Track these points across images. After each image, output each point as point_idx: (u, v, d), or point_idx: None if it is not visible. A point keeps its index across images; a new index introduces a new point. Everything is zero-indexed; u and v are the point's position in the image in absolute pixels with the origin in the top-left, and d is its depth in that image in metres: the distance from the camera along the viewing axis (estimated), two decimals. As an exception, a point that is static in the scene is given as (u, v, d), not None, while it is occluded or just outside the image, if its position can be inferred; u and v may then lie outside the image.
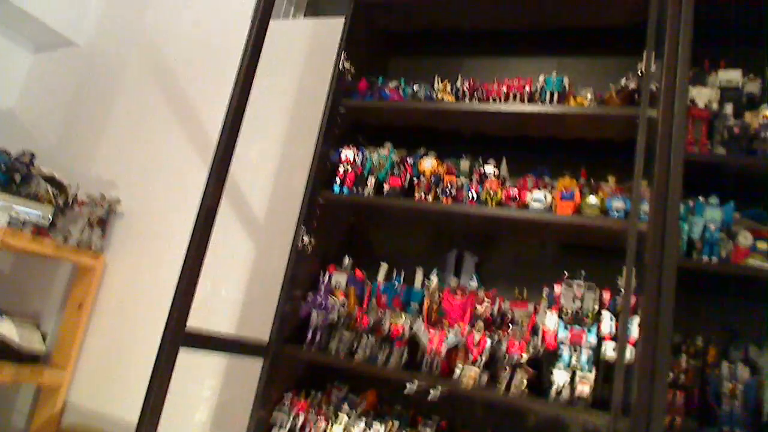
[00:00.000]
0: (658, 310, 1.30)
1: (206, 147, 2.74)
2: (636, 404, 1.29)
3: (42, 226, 2.56)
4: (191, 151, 2.82)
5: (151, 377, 1.50)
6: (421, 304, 1.99)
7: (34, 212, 2.55)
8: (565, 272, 1.82)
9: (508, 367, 1.73)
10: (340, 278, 2.10)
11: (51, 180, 2.75)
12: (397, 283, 2.07)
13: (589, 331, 1.69)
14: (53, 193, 2.72)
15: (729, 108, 1.77)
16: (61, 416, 2.59)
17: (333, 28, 2.42)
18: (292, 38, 2.81)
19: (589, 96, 1.96)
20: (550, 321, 1.74)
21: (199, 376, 2.39)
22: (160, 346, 1.51)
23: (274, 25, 1.89)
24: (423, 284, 2.06)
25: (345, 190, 2.13)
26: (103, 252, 2.75)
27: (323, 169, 2.16)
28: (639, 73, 1.88)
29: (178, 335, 1.52)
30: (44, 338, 2.64)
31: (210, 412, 2.36)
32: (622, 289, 1.63)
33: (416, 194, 2.04)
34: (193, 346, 1.60)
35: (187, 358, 1.58)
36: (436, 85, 2.17)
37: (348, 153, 2.20)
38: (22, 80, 3.40)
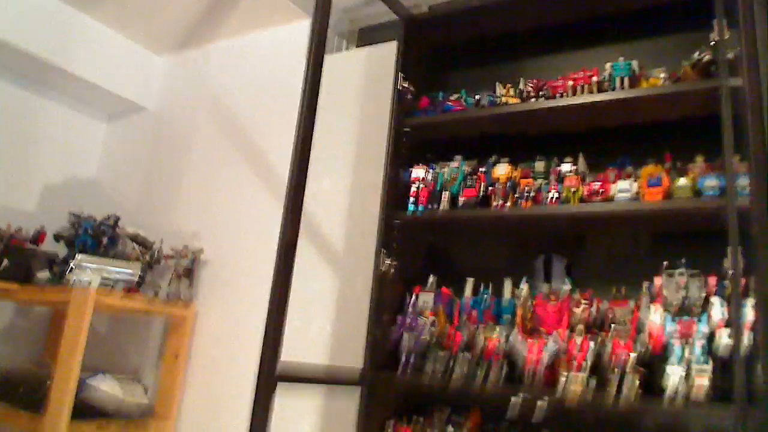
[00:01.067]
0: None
1: (279, 188, 2.76)
2: (762, 391, 1.17)
3: (132, 283, 2.65)
4: (265, 193, 2.87)
5: (251, 416, 1.49)
6: (513, 315, 1.92)
7: (124, 271, 2.64)
8: (665, 262, 1.71)
9: (616, 370, 1.63)
10: (426, 298, 2.06)
11: (136, 238, 2.85)
12: (486, 296, 2.01)
13: (699, 320, 1.57)
14: (140, 251, 2.82)
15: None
16: (172, 467, 2.65)
17: (387, 52, 2.42)
18: (348, 69, 2.83)
19: (662, 75, 1.87)
20: (655, 315, 1.63)
21: (298, 417, 2.38)
22: (256, 384, 1.51)
23: (330, 60, 1.90)
24: (513, 294, 1.99)
25: (420, 208, 2.10)
26: (192, 301, 2.82)
27: (395, 191, 2.14)
28: (712, 43, 1.77)
29: (272, 369, 1.51)
30: (146, 392, 2.71)
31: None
32: (730, 271, 1.51)
33: (493, 202, 1.99)
34: (289, 380, 1.59)
35: (284, 400, 1.57)
36: (498, 91, 2.12)
37: (418, 171, 2.17)
38: (99, 149, 3.59)
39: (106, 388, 2.48)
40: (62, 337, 2.36)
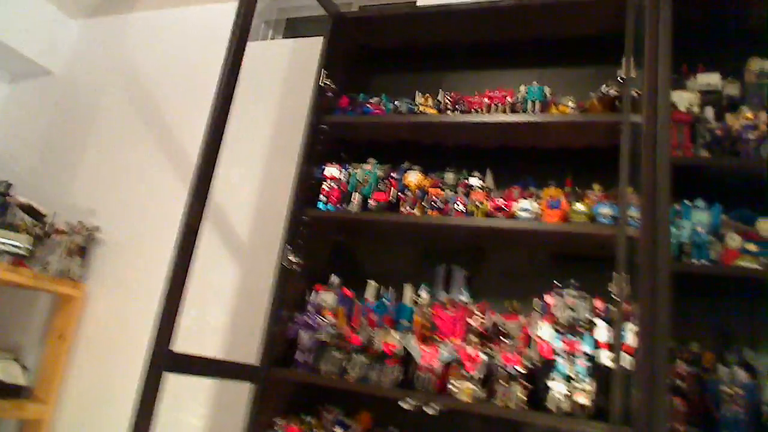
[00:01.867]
0: (654, 315, 1.29)
1: (187, 173, 2.68)
2: (637, 412, 1.26)
3: (20, 255, 2.50)
4: (171, 177, 2.78)
5: (136, 403, 1.44)
6: (411, 321, 1.96)
7: (11, 242, 2.48)
8: (556, 282, 1.80)
9: (504, 381, 1.70)
10: (327, 297, 2.06)
11: (28, 209, 2.69)
12: (387, 301, 2.04)
13: (583, 340, 1.67)
14: (30, 223, 2.66)
15: (710, 111, 1.77)
16: (44, 453, 2.51)
17: (312, 47, 2.41)
18: (270, 59, 2.79)
19: (570, 104, 1.96)
20: (543, 331, 1.71)
21: (187, 404, 2.33)
22: (144, 370, 1.46)
23: (252, 47, 1.87)
24: (413, 301, 2.03)
25: (330, 206, 2.11)
26: (83, 281, 2.69)
27: (307, 187, 2.13)
28: (619, 79, 1.88)
29: (162, 358, 1.47)
30: (25, 371, 2.56)
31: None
32: (615, 296, 1.61)
33: (402, 208, 2.02)
34: (179, 371, 1.55)
35: (173, 386, 1.54)
36: (417, 99, 2.16)
37: (332, 170, 2.18)
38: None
39: (-21, 365, 2.33)
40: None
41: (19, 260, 2.50)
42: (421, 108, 2.13)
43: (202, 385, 2.32)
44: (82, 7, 3.28)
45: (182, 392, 2.27)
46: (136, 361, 1.65)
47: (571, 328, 1.69)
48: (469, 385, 1.70)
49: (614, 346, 1.59)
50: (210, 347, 2.36)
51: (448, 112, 2.09)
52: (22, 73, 3.33)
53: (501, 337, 1.80)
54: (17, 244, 2.50)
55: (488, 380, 1.74)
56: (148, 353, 1.48)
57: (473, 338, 1.78)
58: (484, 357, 1.74)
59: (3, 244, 2.46)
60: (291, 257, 2.02)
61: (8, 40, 3.04)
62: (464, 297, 1.96)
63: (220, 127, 1.71)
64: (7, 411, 2.39)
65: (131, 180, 2.87)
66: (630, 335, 1.56)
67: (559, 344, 1.67)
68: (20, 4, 3.11)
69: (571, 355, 1.66)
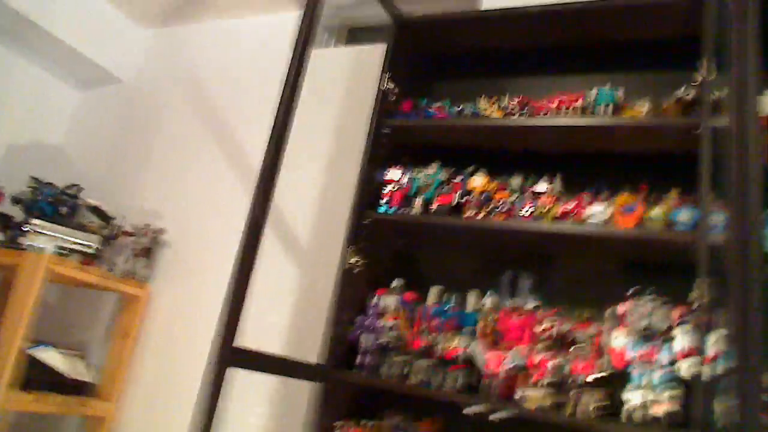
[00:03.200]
0: (746, 326, 1.21)
1: (250, 176, 2.73)
2: (728, 425, 1.18)
3: (89, 255, 2.57)
4: (235, 180, 2.82)
5: (200, 399, 1.45)
6: (475, 327, 1.91)
7: (81, 241, 2.56)
8: (632, 288, 1.72)
9: (574, 390, 1.63)
10: (389, 301, 2.03)
11: (97, 211, 2.77)
12: (449, 306, 1.99)
13: (661, 349, 1.58)
14: (99, 225, 2.73)
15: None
16: (107, 450, 2.56)
17: (373, 53, 2.42)
18: (333, 65, 2.81)
19: (645, 107, 1.89)
20: (617, 340, 1.64)
21: (248, 403, 2.34)
22: (208, 366, 1.46)
23: (316, 54, 1.88)
24: (477, 307, 1.98)
25: (391, 209, 2.09)
26: (148, 281, 2.74)
27: (369, 190, 2.12)
28: (697, 83, 1.80)
29: (227, 354, 1.47)
30: (91, 369, 2.62)
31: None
32: (695, 305, 1.53)
33: (466, 212, 1.98)
34: (243, 366, 1.55)
35: (234, 385, 1.54)
36: (481, 104, 2.12)
37: (394, 173, 2.16)
38: (68, 116, 3.48)
39: (49, 360, 2.39)
40: (8, 303, 2.27)
41: (88, 260, 2.57)
42: (487, 112, 2.10)
43: (262, 386, 2.33)
44: (151, 16, 3.38)
45: (242, 392, 2.28)
46: (199, 359, 1.66)
47: (647, 337, 1.61)
48: (536, 392, 1.64)
49: (694, 356, 1.50)
50: (269, 348, 2.35)
51: (515, 116, 2.05)
52: (94, 80, 3.44)
53: (571, 346, 1.74)
54: (87, 243, 2.58)
55: (557, 389, 1.68)
56: (213, 348, 1.49)
57: (541, 345, 1.72)
58: (553, 365, 1.67)
59: (73, 243, 2.54)
60: (353, 260, 2.01)
61: (83, 48, 3.17)
62: (532, 303, 1.89)
63: (283, 129, 1.73)
64: (72, 407, 2.45)
65: (195, 184, 2.93)
66: (711, 345, 1.47)
67: (634, 353, 1.60)
68: (94, 14, 3.23)
69: (647, 364, 1.57)
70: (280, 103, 1.74)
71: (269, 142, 1.71)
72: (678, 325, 1.59)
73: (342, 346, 1.97)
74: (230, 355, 1.50)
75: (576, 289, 1.97)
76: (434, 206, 2.04)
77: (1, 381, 2.15)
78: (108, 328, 2.80)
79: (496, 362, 1.74)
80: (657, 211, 1.72)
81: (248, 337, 1.63)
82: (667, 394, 1.53)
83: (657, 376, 1.55)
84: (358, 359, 1.92)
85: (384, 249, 2.22)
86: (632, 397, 1.55)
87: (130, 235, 2.77)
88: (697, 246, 1.57)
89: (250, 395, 2.32)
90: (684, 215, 1.67)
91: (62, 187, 2.72)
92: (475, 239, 2.13)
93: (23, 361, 2.26)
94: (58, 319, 2.97)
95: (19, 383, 2.21)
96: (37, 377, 2.34)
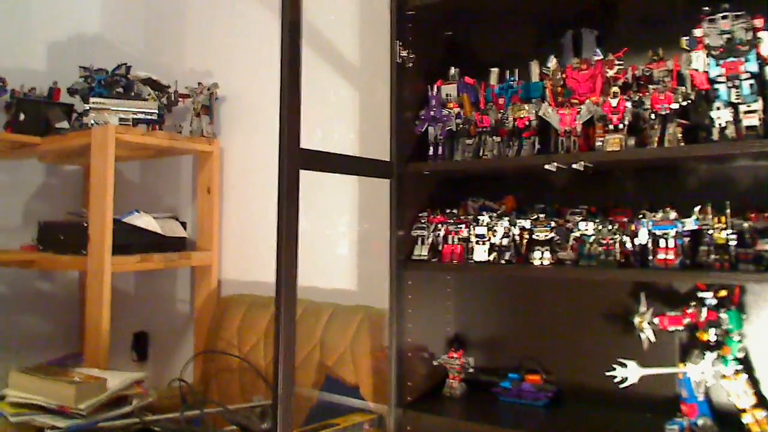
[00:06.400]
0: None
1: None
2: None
3: (153, 121, 2.61)
4: (272, 21, 2.72)
5: (279, 206, 1.46)
6: (542, 95, 1.81)
7: (142, 110, 2.59)
8: (705, 8, 1.55)
9: (656, 126, 1.54)
10: (449, 90, 1.95)
11: (150, 81, 2.77)
12: (512, 81, 1.89)
13: (746, 60, 1.44)
14: (156, 95, 2.75)
15: None
16: (218, 291, 2.76)
17: None
18: None
19: None
20: (696, 62, 1.50)
21: (333, 217, 2.45)
22: (279, 172, 1.47)
23: None
24: (541, 77, 1.87)
25: (435, -8, 1.94)
26: (215, 137, 2.78)
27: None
28: None
29: (296, 156, 1.47)
30: (185, 227, 2.76)
31: (351, 246, 2.41)
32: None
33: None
34: (314, 168, 1.55)
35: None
36: None
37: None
38: (100, 3, 3.43)
39: (143, 224, 2.51)
40: (91, 179, 2.37)
41: (154, 126, 2.61)
42: None
43: (342, 198, 2.42)
44: None
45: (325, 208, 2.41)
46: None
47: (729, 51, 1.46)
48: (617, 135, 1.56)
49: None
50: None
51: None
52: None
53: (648, 84, 1.62)
54: (149, 110, 2.61)
55: (637, 128, 1.59)
56: (282, 154, 1.48)
57: (615, 89, 1.61)
58: (629, 105, 1.58)
59: (136, 112, 2.57)
60: (403, 53, 1.92)
61: None
62: (598, 56, 1.76)
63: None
64: (176, 261, 2.61)
65: (234, 33, 2.88)
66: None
67: (717, 70, 1.47)
68: None
69: (733, 78, 1.45)
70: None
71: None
72: (763, 29, 1.43)
73: (410, 144, 1.94)
74: (300, 158, 1.49)
75: (645, 32, 1.80)
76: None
77: (105, 248, 2.29)
78: (191, 188, 2.95)
79: (570, 118, 1.65)
80: None
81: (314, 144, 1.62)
82: (758, 104, 1.41)
83: (746, 85, 1.43)
84: (430, 151, 1.89)
85: (434, 42, 2.10)
86: (721, 114, 1.44)
87: (187, 96, 2.78)
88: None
89: (335, 211, 2.43)
90: None
91: (111, 69, 2.73)
92: (525, 6, 1.96)
93: (121, 229, 2.39)
94: (146, 191, 3.16)
95: (121, 249, 2.35)
96: (137, 241, 2.47)
